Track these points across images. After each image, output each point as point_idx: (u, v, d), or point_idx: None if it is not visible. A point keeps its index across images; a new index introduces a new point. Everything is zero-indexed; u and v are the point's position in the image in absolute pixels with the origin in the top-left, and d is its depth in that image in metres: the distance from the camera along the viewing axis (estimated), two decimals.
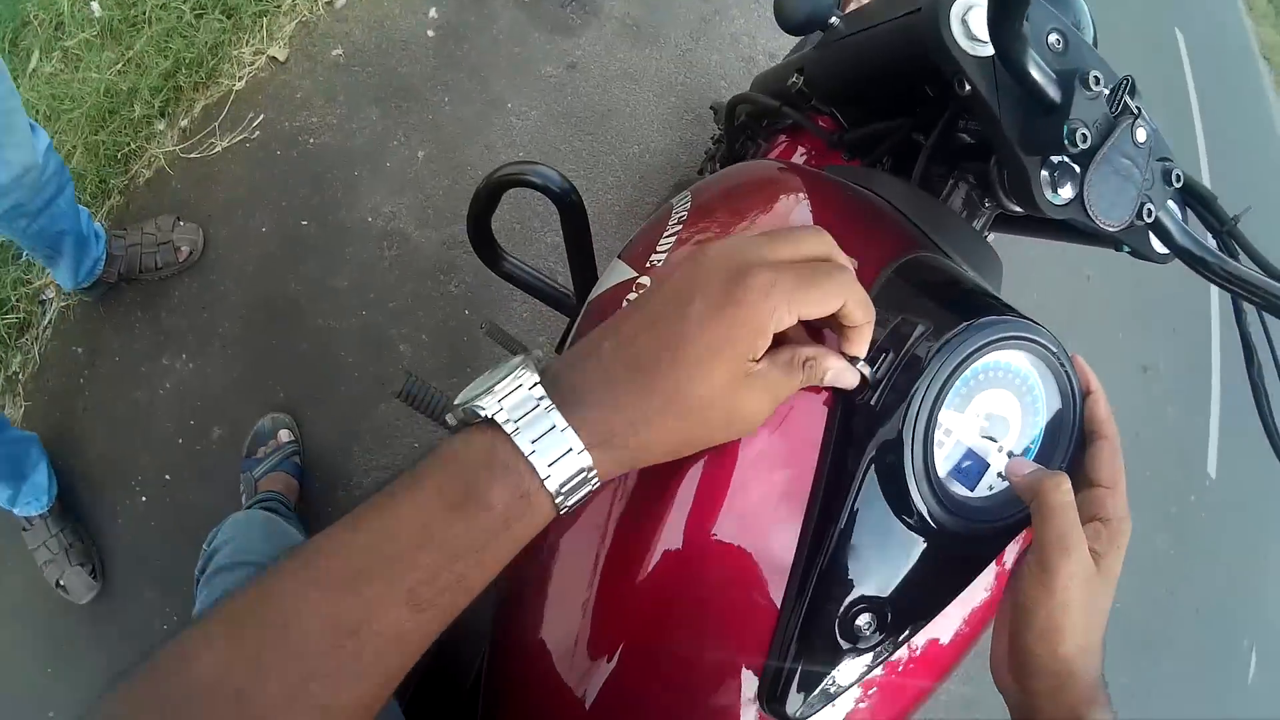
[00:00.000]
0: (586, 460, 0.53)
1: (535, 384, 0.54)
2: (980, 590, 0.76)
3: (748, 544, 0.69)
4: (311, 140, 2.38)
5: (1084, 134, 0.75)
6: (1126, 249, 0.91)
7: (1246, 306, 0.94)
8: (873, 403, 0.67)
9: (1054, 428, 0.72)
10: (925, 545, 0.67)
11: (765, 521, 0.69)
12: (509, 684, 0.79)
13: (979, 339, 0.67)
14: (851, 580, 0.67)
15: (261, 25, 2.43)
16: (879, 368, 0.68)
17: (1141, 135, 0.79)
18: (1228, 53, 8.61)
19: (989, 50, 0.81)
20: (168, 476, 2.10)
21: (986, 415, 0.70)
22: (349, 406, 2.20)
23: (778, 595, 0.68)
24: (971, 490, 0.69)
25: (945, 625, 0.74)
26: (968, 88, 0.82)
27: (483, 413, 0.53)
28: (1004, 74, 0.80)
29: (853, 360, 0.64)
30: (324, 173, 2.36)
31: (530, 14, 2.78)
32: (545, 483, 0.52)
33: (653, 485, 0.70)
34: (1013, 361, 0.71)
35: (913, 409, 0.66)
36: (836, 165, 1.17)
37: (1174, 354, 4.94)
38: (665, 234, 0.90)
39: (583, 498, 0.55)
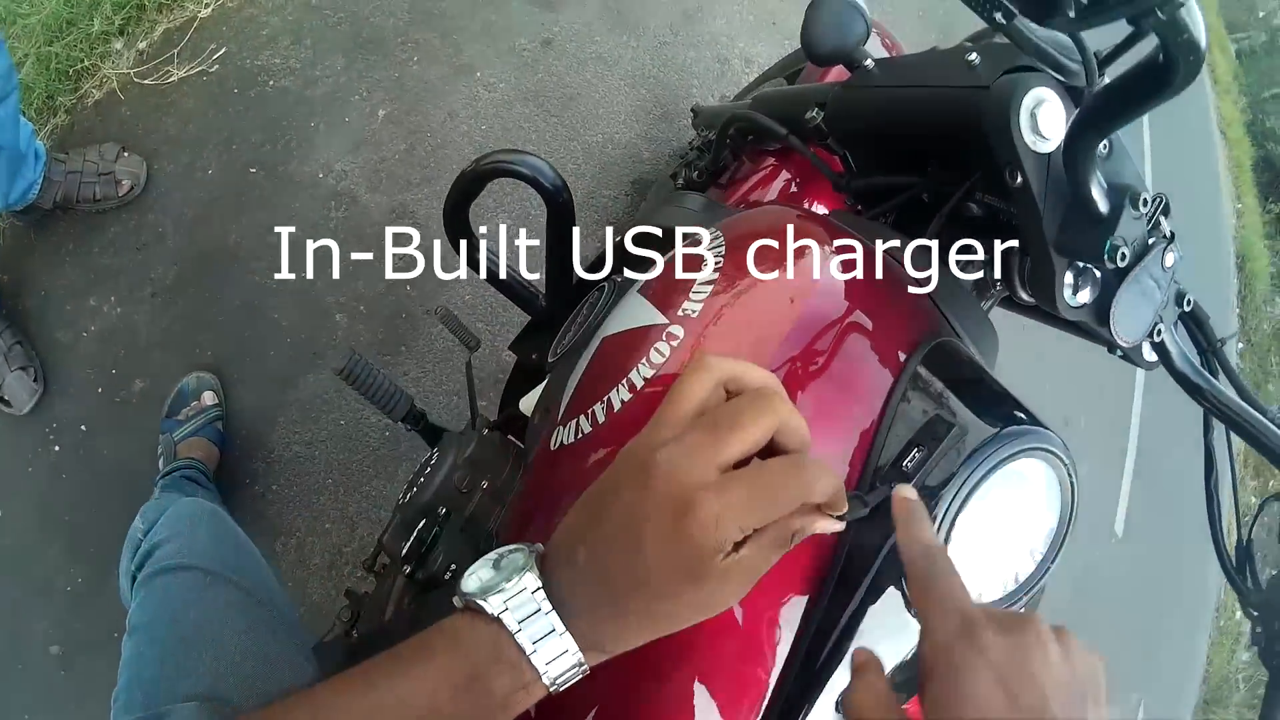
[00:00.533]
0: (580, 659, 0.61)
1: (538, 589, 0.61)
2: None
3: (748, 628, 0.74)
4: (271, 82, 2.43)
5: (1124, 253, 0.80)
6: (1119, 353, 0.97)
7: (1215, 423, 1.02)
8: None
9: (1058, 524, 0.78)
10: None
11: (767, 608, 0.74)
12: None
13: (1008, 449, 0.73)
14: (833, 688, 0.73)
15: None
16: (909, 464, 0.74)
17: (1170, 260, 0.84)
18: (1181, 122, 8.88)
19: (1049, 147, 0.84)
20: (84, 427, 2.15)
21: (997, 518, 0.75)
22: (278, 373, 2.24)
23: (772, 676, 0.73)
24: (982, 590, 0.76)
25: None
26: (1019, 180, 0.84)
27: (490, 611, 0.60)
28: (1057, 174, 0.84)
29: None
30: (280, 119, 2.41)
31: None
32: (543, 676, 0.60)
33: None
34: (1030, 468, 0.76)
35: (939, 513, 0.71)
36: (843, 213, 1.20)
37: (1097, 411, 5.15)
38: (700, 280, 0.92)
39: (572, 682, 0.63)
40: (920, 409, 0.79)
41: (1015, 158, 0.83)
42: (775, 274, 0.89)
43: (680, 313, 0.88)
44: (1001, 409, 0.79)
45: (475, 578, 0.63)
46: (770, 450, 0.63)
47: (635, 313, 0.95)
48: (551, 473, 0.93)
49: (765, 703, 0.73)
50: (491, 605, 0.60)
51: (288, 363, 2.25)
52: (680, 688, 0.73)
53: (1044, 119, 0.83)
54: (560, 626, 0.60)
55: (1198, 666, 8.51)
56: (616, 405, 0.86)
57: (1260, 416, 0.93)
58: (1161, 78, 0.63)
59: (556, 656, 0.60)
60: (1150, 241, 0.83)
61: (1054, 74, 0.86)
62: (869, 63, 1.14)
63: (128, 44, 2.35)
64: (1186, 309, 0.95)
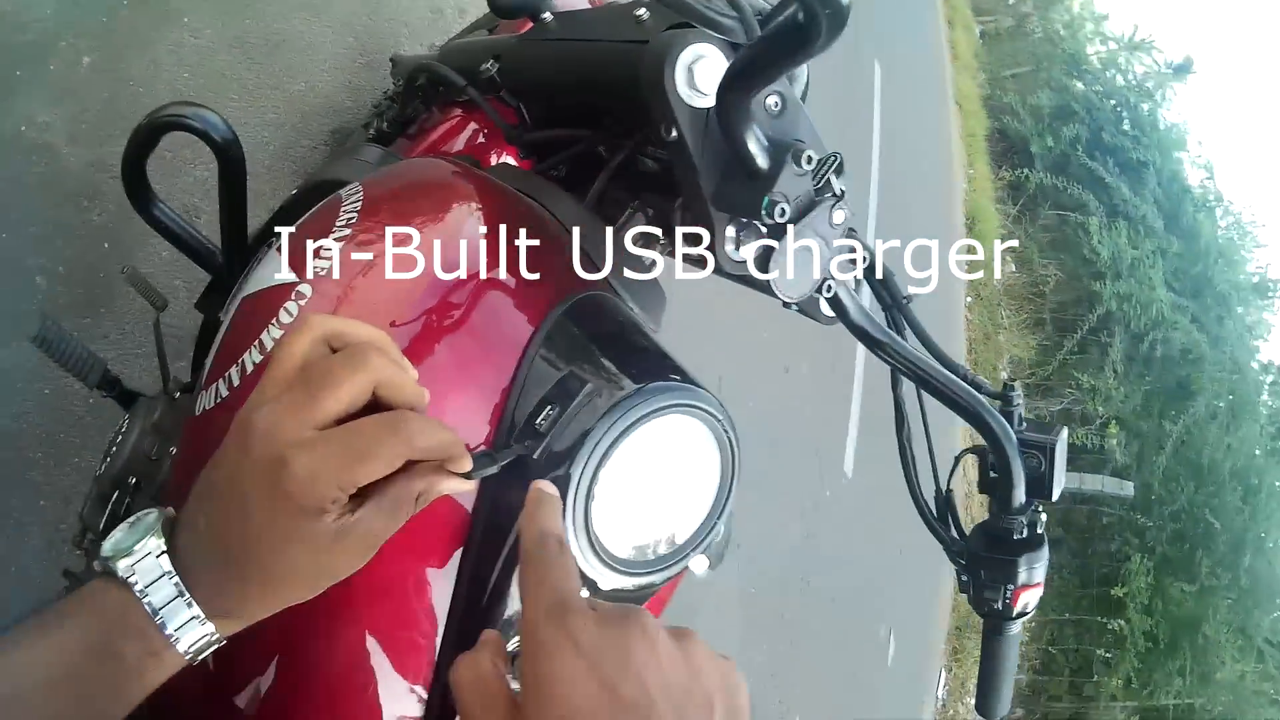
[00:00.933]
0: (209, 627, 0.61)
1: (163, 553, 0.61)
2: None
3: (405, 589, 0.77)
4: None
5: (783, 209, 0.80)
6: (795, 308, 0.96)
7: (904, 378, 1.05)
8: (535, 456, 0.76)
9: (720, 481, 0.84)
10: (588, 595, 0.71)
11: (421, 569, 0.77)
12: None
13: (648, 406, 0.77)
14: (510, 620, 0.77)
15: None
16: (542, 421, 0.76)
17: (839, 217, 0.84)
18: (922, 92, 9.46)
19: (706, 103, 0.84)
20: None
21: (646, 476, 0.79)
22: None
23: (437, 637, 0.77)
24: (639, 545, 0.81)
25: None
26: (674, 134, 0.85)
27: (119, 574, 0.60)
28: (715, 130, 0.84)
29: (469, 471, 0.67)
30: None
31: None
32: (175, 644, 0.60)
33: None
34: (677, 425, 0.80)
35: (576, 471, 0.74)
36: (509, 166, 1.23)
37: (818, 357, 5.53)
38: (333, 232, 0.91)
39: (211, 650, 0.63)
40: (558, 366, 0.82)
41: (669, 113, 0.84)
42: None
43: (310, 270, 0.88)
44: (646, 366, 0.84)
45: (112, 539, 0.63)
46: (376, 408, 0.64)
47: (269, 271, 0.94)
48: (197, 438, 0.94)
49: (433, 664, 0.77)
50: (120, 568, 0.60)
51: None
52: (344, 653, 0.75)
53: (701, 74, 0.84)
54: (185, 593, 0.60)
55: (945, 596, 9.09)
56: (249, 368, 0.86)
57: (946, 371, 0.97)
58: (804, 35, 0.63)
59: (184, 623, 0.60)
60: (817, 199, 0.83)
61: (713, 32, 0.87)
62: (547, 15, 1.15)
63: None
64: (864, 265, 0.98)
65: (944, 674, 9.53)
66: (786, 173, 0.80)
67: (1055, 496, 1.02)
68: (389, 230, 0.89)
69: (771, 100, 0.84)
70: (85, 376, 1.42)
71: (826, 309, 0.95)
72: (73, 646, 0.59)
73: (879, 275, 1.07)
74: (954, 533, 1.12)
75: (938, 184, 9.50)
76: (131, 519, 0.65)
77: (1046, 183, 11.57)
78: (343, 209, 0.95)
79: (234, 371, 0.88)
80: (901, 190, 7.45)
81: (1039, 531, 1.03)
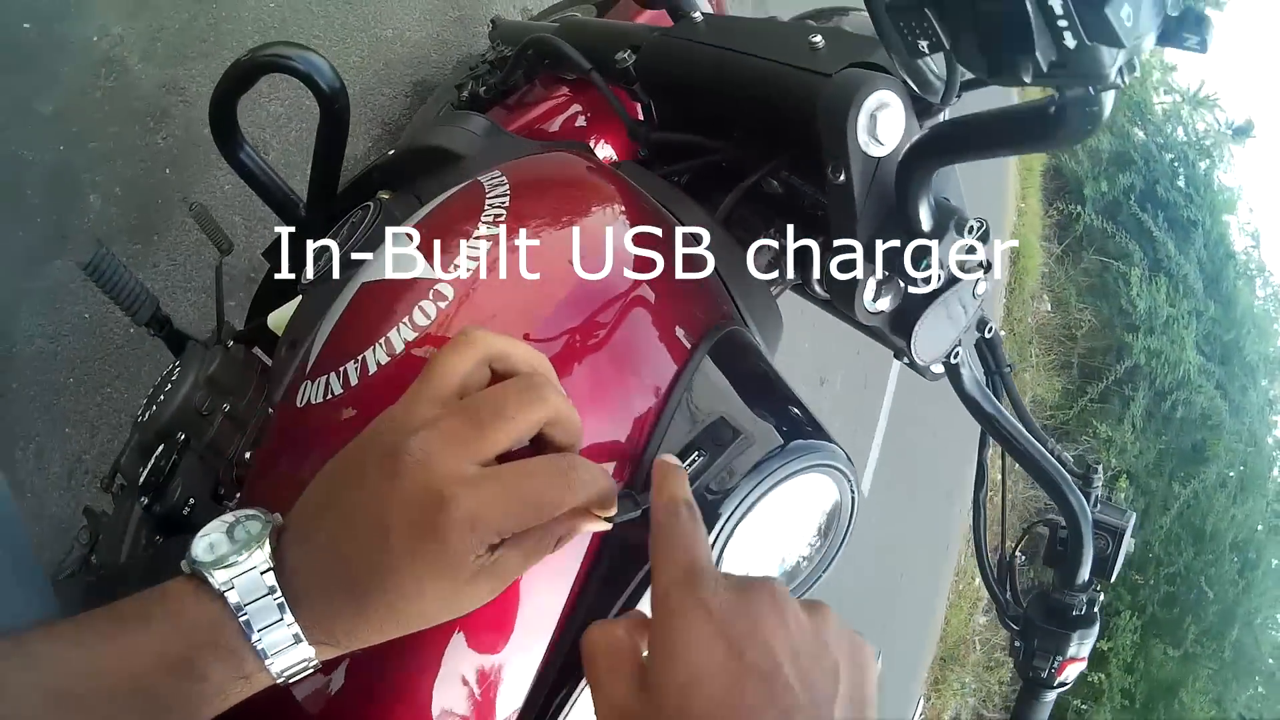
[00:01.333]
0: (310, 651, 0.57)
1: (269, 569, 0.56)
2: None
3: (518, 608, 0.73)
4: None
5: (939, 275, 0.82)
6: (906, 361, 0.96)
7: (990, 440, 1.09)
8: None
9: (831, 541, 0.85)
10: None
11: (531, 596, 0.73)
12: None
13: (793, 465, 0.75)
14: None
15: None
16: (690, 464, 0.74)
17: (981, 288, 0.86)
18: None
19: (882, 151, 0.83)
20: None
21: (774, 526, 0.78)
22: (23, 256, 2.09)
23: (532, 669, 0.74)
24: None
25: None
26: (842, 178, 0.83)
27: (215, 585, 0.56)
28: (884, 180, 0.83)
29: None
30: None
31: None
32: (269, 667, 0.56)
33: None
34: (814, 482, 0.79)
35: (716, 525, 0.72)
36: (638, 168, 1.16)
37: (853, 372, 5.48)
38: (477, 230, 0.86)
39: (302, 676, 0.59)
40: (704, 407, 0.79)
41: (844, 155, 0.82)
42: (561, 235, 0.86)
43: (451, 268, 0.83)
44: (788, 417, 0.81)
45: (206, 542, 0.59)
46: (537, 442, 0.62)
47: (400, 260, 0.89)
48: (296, 432, 0.88)
49: (525, 696, 0.74)
50: (217, 579, 0.56)
51: (36, 245, 2.13)
52: (432, 678, 0.71)
53: (883, 123, 0.82)
54: (288, 615, 0.56)
55: (935, 625, 9.08)
56: (371, 367, 0.80)
57: (1037, 444, 1.02)
58: (1048, 130, 0.62)
59: (283, 648, 0.57)
60: (965, 268, 0.84)
61: (912, 84, 0.79)
62: (697, 15, 1.13)
63: None
64: (987, 335, 1.00)
65: (922, 702, 9.23)
66: (948, 239, 0.81)
67: (1113, 578, 1.09)
68: (538, 236, 0.85)
69: None
70: (135, 312, 1.38)
71: (937, 369, 0.96)
72: (149, 656, 0.55)
73: (989, 341, 1.08)
74: (1010, 597, 1.17)
75: (989, 211, 9.49)
76: (229, 518, 0.60)
77: (1095, 226, 11.51)
78: (487, 201, 0.90)
79: (351, 368, 0.82)
80: None
81: (1095, 610, 1.10)
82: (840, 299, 0.90)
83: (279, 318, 1.27)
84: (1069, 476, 1.04)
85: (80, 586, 1.13)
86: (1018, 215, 10.48)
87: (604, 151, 1.57)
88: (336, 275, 1.09)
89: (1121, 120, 12.96)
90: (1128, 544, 1.10)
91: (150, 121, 2.33)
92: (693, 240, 0.94)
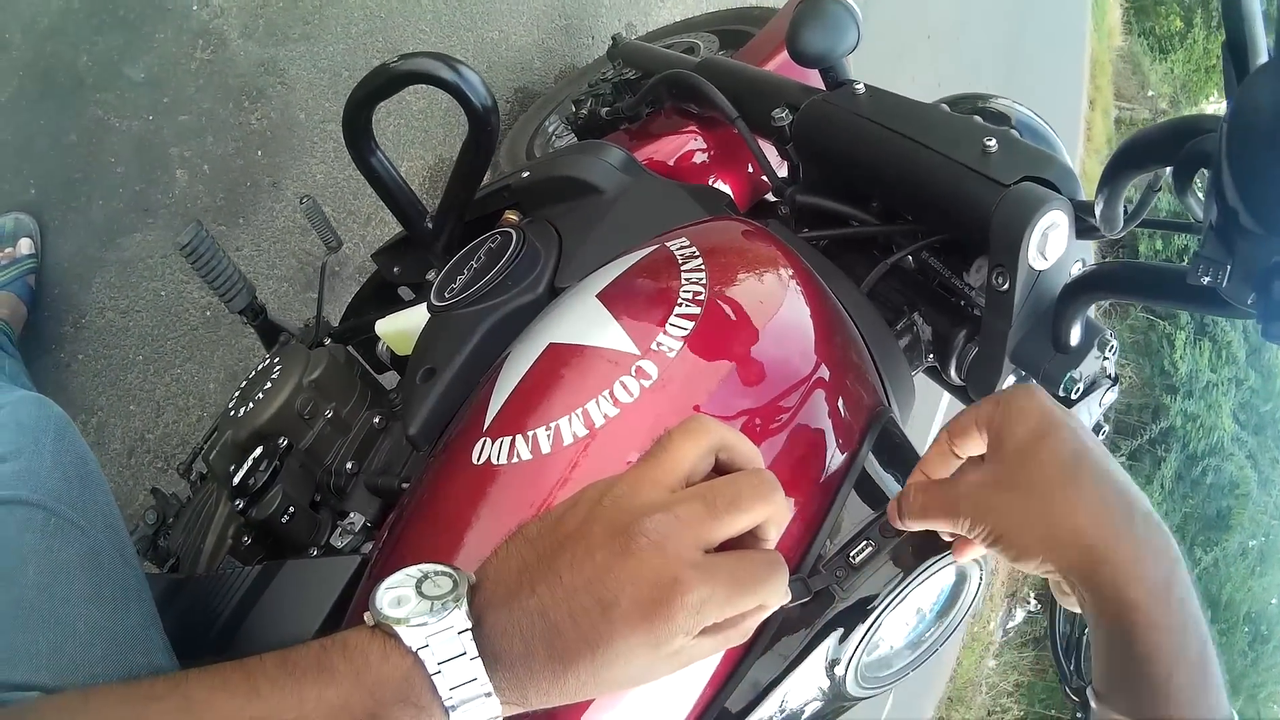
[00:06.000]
0: (497, 708, 0.57)
1: (466, 631, 0.56)
2: None
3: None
4: None
5: (1080, 388, 0.87)
6: None
7: None
8: (844, 590, 0.78)
9: (953, 614, 0.89)
10: (828, 703, 0.83)
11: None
12: None
13: (946, 562, 0.80)
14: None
15: None
16: (856, 556, 0.78)
17: (1110, 399, 0.90)
18: None
19: (1045, 265, 0.87)
20: None
21: (912, 614, 0.84)
22: (102, 225, 2.07)
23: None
24: (885, 670, 0.86)
25: None
26: (1006, 286, 0.87)
27: (408, 644, 0.55)
28: (1040, 291, 0.88)
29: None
30: None
31: None
32: None
33: None
34: (955, 571, 0.85)
35: (874, 612, 0.78)
36: (786, 230, 1.17)
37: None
38: (679, 309, 0.88)
39: None
40: (868, 501, 0.83)
41: (1012, 265, 0.85)
42: (758, 318, 0.87)
43: (655, 345, 0.84)
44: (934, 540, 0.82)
45: (394, 596, 0.58)
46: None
47: (594, 326, 0.90)
48: (475, 490, 0.86)
49: None
50: (411, 638, 0.56)
51: (116, 215, 2.07)
52: None
53: (1052, 241, 0.86)
54: (484, 676, 0.56)
55: (946, 666, 9.09)
56: (568, 438, 0.81)
57: None
58: (1199, 300, 0.69)
59: (471, 700, 0.57)
60: (1097, 381, 0.89)
61: (1083, 214, 0.88)
62: (860, 86, 1.13)
63: None
64: (1103, 438, 0.96)
65: None
66: (1090, 356, 0.86)
67: None
68: (738, 321, 0.87)
69: (1076, 266, 0.91)
70: (230, 298, 1.40)
71: None
72: (332, 711, 0.55)
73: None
74: (1074, 669, 1.06)
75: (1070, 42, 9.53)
76: (416, 574, 0.60)
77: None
78: (683, 276, 0.91)
79: (544, 435, 0.82)
80: None
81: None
82: (977, 390, 0.97)
83: (391, 327, 1.29)
84: None
85: (163, 585, 1.08)
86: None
87: (723, 190, 1.57)
88: (476, 307, 1.08)
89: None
90: None
91: (245, 101, 2.27)
92: (847, 320, 0.98)
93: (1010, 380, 0.92)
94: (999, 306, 0.88)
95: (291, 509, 1.02)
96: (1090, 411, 0.89)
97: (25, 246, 1.92)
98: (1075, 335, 0.85)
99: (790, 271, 0.94)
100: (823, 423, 0.85)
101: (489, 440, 0.85)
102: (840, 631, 0.79)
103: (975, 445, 0.72)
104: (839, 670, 0.79)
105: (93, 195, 2.06)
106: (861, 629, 0.78)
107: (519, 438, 0.83)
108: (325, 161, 2.29)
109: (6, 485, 0.94)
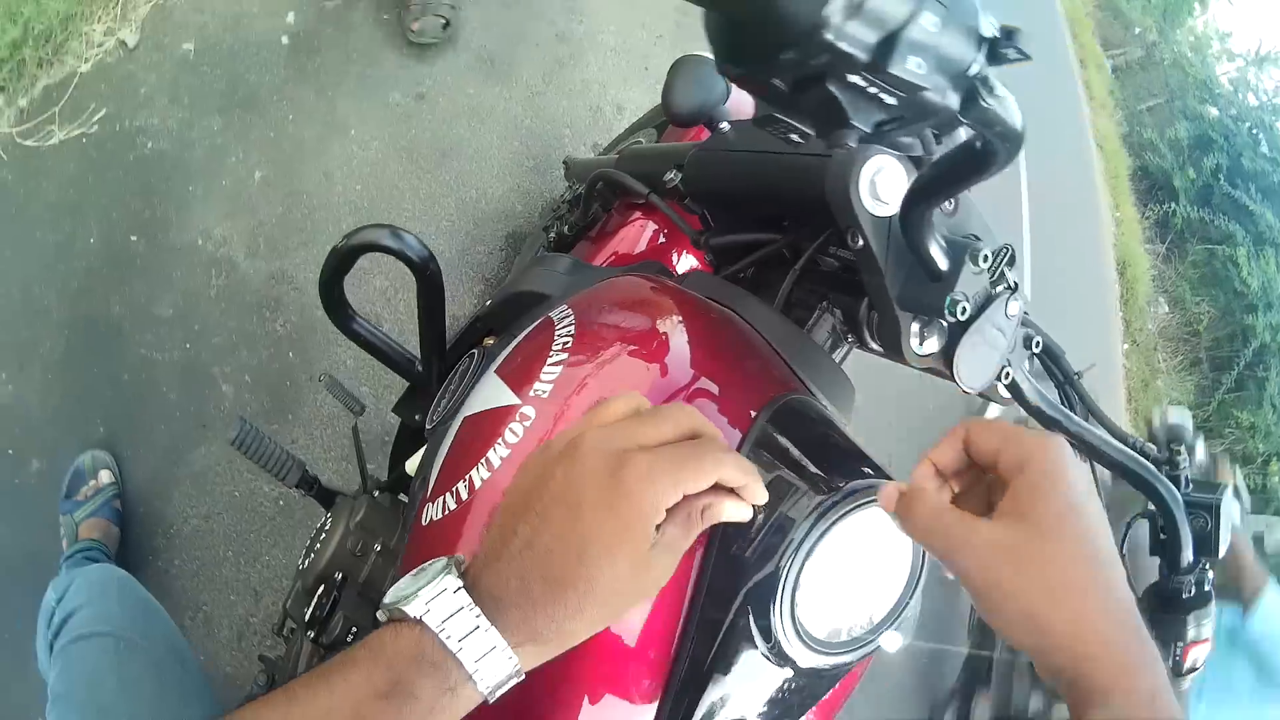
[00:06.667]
0: (514, 657, 0.62)
1: (459, 589, 0.62)
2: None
3: (622, 666, 0.80)
4: (150, 144, 2.48)
5: (964, 307, 0.83)
6: (975, 391, 0.97)
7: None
8: (747, 554, 0.79)
9: (911, 564, 0.84)
10: (788, 675, 0.82)
11: (638, 650, 0.80)
12: None
13: (846, 505, 0.78)
14: (718, 703, 0.80)
15: (115, 3, 2.50)
16: (754, 520, 0.75)
17: (1014, 309, 0.87)
18: (1062, 139, 9.28)
19: (888, 211, 0.87)
20: None
21: (847, 562, 0.80)
22: (170, 446, 2.30)
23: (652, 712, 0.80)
24: (837, 628, 0.81)
25: None
26: (860, 242, 0.87)
27: (411, 614, 0.61)
28: (898, 236, 0.87)
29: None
30: (158, 184, 2.46)
31: (388, 33, 2.95)
32: (474, 677, 0.60)
33: None
34: (874, 517, 0.79)
35: (783, 568, 0.76)
36: (701, 274, 1.21)
37: None
38: (550, 359, 0.95)
39: (510, 686, 0.63)
40: (765, 466, 0.82)
41: (855, 222, 0.87)
42: (622, 348, 0.94)
43: (532, 393, 0.92)
44: (846, 465, 0.84)
45: (395, 589, 0.64)
46: None
47: (492, 393, 0.98)
48: (425, 547, 0.96)
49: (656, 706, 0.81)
50: (413, 609, 0.61)
51: (179, 435, 2.32)
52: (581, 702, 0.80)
53: (883, 186, 0.87)
54: (485, 622, 0.61)
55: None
56: (478, 483, 0.90)
57: (1115, 442, 1.01)
58: (982, 159, 0.67)
59: (485, 653, 0.61)
60: (993, 292, 0.87)
61: (890, 150, 0.89)
62: (724, 125, 1.22)
63: (8, 100, 2.37)
64: (1036, 350, 0.99)
65: None
66: (965, 272, 0.84)
67: (1222, 554, 1.04)
68: (603, 355, 0.94)
69: (946, 201, 0.90)
70: (284, 476, 1.49)
71: (1004, 391, 0.97)
72: (361, 691, 0.59)
73: (1048, 353, 1.07)
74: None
75: (1087, 231, 9.34)
76: (415, 570, 0.66)
77: (1193, 217, 11.15)
78: (556, 332, 0.99)
79: (462, 486, 0.92)
80: (1053, 242, 7.29)
81: (1206, 589, 1.06)
82: (892, 351, 0.94)
83: (414, 463, 1.35)
84: (1150, 466, 1.02)
85: None
86: (1116, 226, 10.23)
87: (689, 262, 1.66)
88: (453, 418, 1.15)
89: (1192, 102, 12.66)
90: (1230, 518, 1.06)
91: (266, 311, 2.49)
92: (742, 329, 1.03)
93: (915, 329, 0.89)
94: (866, 263, 0.89)
95: (355, 629, 1.15)
96: (998, 325, 0.87)
97: (105, 477, 2.15)
98: (940, 259, 0.84)
99: (664, 308, 1.00)
100: (711, 418, 0.81)
101: (430, 504, 0.96)
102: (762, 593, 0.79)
103: (988, 461, 0.69)
104: (776, 633, 0.77)
105: (154, 422, 2.30)
106: (778, 593, 0.77)
107: (447, 494, 0.93)
108: (351, 347, 2.30)
109: (84, 625, 1.20)
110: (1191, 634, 1.05)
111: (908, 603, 0.84)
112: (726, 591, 0.79)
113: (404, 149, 2.89)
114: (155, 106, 2.53)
